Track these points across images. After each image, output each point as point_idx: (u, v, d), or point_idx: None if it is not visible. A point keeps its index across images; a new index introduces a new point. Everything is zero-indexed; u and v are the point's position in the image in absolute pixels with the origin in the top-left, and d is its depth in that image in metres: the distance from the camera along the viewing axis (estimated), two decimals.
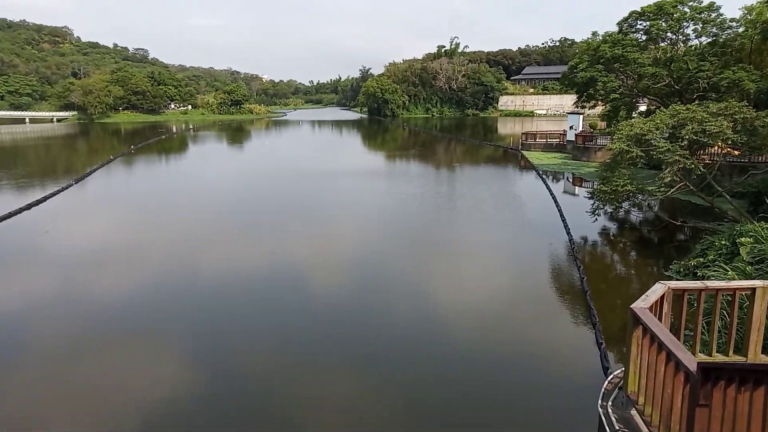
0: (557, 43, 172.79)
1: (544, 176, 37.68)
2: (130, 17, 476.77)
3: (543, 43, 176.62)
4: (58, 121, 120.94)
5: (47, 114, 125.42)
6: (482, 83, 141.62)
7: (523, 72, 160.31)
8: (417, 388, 11.18)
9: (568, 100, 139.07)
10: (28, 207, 29.16)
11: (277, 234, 24.21)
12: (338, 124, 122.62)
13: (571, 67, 38.18)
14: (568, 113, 53.92)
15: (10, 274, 19.03)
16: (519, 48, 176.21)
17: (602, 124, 50.89)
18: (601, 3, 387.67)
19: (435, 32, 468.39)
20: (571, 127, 50.12)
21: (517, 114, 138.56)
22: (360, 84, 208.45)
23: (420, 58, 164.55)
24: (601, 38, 37.36)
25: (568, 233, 22.35)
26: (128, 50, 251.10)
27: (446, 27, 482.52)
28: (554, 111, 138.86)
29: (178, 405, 10.76)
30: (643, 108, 47.01)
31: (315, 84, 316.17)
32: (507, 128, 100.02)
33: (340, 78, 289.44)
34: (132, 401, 10.81)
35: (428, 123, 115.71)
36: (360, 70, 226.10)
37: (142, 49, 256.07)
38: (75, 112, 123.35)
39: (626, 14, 34.71)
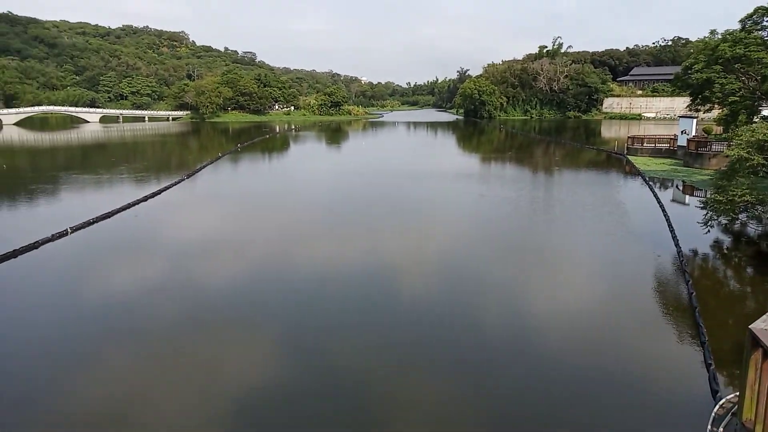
0: (670, 43, 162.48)
1: (651, 183, 35.58)
2: (239, 22, 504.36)
3: (654, 43, 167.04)
4: (173, 119, 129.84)
5: (164, 113, 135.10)
6: (586, 84, 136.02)
7: (630, 73, 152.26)
8: (509, 401, 10.93)
9: (680, 103, 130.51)
10: (145, 199, 31.57)
11: (371, 233, 24.62)
12: (433, 125, 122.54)
13: (685, 67, 35.60)
14: (680, 117, 50.50)
15: (125, 260, 20.70)
16: (627, 48, 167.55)
17: (718, 129, 47.18)
18: (719, 0, 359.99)
19: (535, 33, 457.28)
20: (683, 132, 46.96)
21: (622, 117, 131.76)
22: (457, 85, 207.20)
23: (520, 58, 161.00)
24: (720, 37, 34.60)
25: (677, 245, 20.96)
26: (238, 53, 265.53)
27: (548, 27, 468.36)
28: (664, 114, 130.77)
29: (272, 393, 11.23)
30: (766, 112, 43.23)
31: (412, 86, 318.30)
32: (611, 132, 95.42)
33: (437, 79, 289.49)
34: (229, 384, 11.46)
35: (526, 125, 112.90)
36: (457, 71, 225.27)
37: (251, 53, 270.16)
38: (188, 112, 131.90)
39: (750, 11, 31.97)
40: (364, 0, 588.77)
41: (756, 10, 31.71)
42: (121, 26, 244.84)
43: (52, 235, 22.82)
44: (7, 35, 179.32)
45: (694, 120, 46.30)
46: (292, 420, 10.28)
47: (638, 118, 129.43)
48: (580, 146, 65.25)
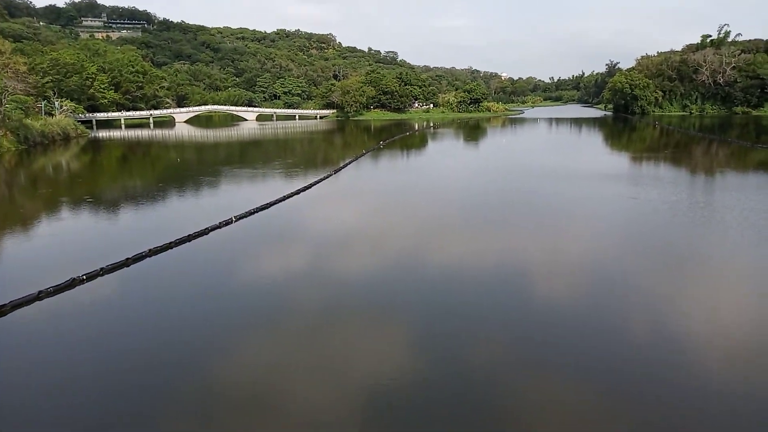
0: None
1: None
2: (382, 22, 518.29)
3: None
4: (321, 118, 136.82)
5: (312, 112, 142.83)
6: (758, 76, 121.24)
7: None
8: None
9: None
10: (297, 192, 33.67)
11: (507, 233, 24.39)
12: (578, 121, 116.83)
13: None
14: None
15: (281, 247, 22.32)
16: None
17: None
18: None
19: (697, 21, 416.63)
20: None
21: None
22: (605, 79, 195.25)
23: (678, 50, 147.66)
24: None
25: None
26: (380, 53, 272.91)
27: (711, 14, 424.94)
28: None
29: (403, 384, 11.56)
30: None
31: (555, 81, 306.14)
32: None
33: (583, 74, 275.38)
34: (362, 373, 12.03)
35: (685, 122, 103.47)
36: (606, 64, 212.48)
37: (393, 52, 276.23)
38: (334, 110, 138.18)
39: None
40: None
41: None
42: (275, 30, 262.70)
43: (219, 223, 25.18)
44: (180, 42, 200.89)
45: None
46: (423, 413, 10.46)
47: None
48: (751, 145, 58.47)
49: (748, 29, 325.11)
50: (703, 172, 42.22)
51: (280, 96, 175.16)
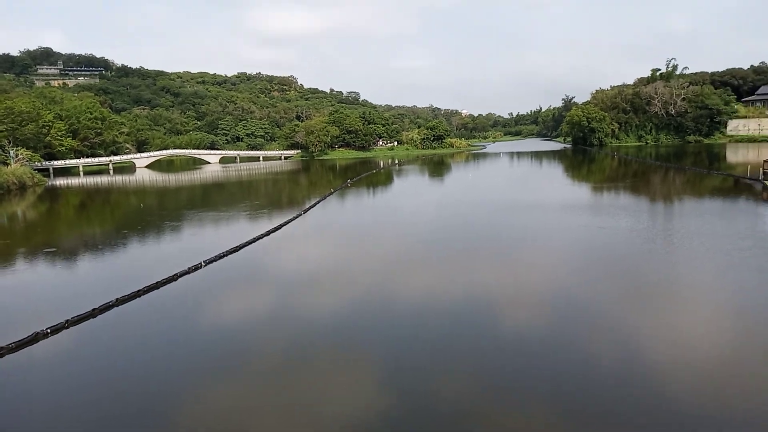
0: None
1: None
2: (343, 64, 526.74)
3: None
4: (285, 158, 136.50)
5: (276, 153, 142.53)
6: (706, 106, 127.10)
7: (757, 92, 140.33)
8: None
9: None
10: (267, 234, 33.00)
11: (476, 266, 24.23)
12: (539, 155, 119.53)
13: None
14: None
15: (246, 291, 21.59)
16: (752, 66, 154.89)
17: None
18: None
19: (645, 55, 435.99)
20: None
21: (751, 139, 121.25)
22: (562, 113, 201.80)
23: (630, 83, 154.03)
24: None
25: None
26: (342, 93, 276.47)
27: (658, 48, 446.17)
28: None
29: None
30: None
31: (514, 116, 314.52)
32: (738, 155, 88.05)
33: (541, 108, 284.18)
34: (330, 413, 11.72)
35: (642, 151, 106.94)
36: (562, 99, 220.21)
37: (354, 92, 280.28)
38: (299, 151, 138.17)
39: None
40: (463, 33, 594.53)
41: None
42: (236, 74, 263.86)
43: (189, 268, 24.30)
44: (139, 87, 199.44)
45: None
46: None
47: None
48: (706, 172, 60.52)
49: (693, 62, 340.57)
50: (666, 200, 43.28)
51: (242, 138, 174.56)
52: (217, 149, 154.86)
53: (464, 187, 61.02)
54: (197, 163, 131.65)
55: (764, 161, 49.69)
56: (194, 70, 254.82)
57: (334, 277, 23.68)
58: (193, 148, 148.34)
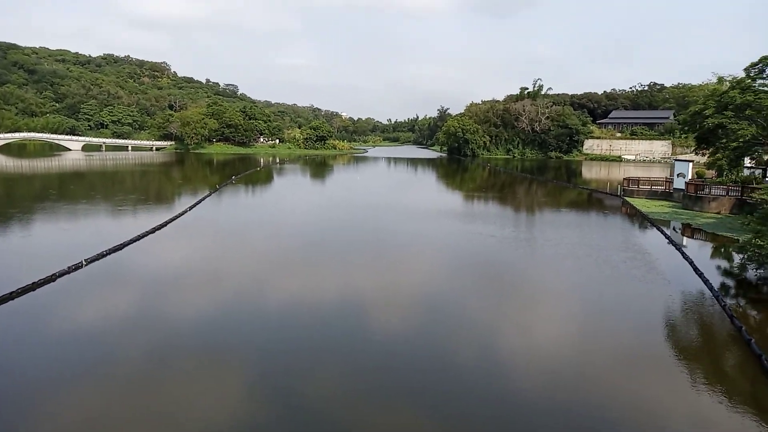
0: (646, 88, 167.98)
1: (662, 226, 35.91)
2: (221, 54, 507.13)
3: (630, 88, 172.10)
4: (157, 149, 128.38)
5: (147, 143, 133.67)
6: (567, 126, 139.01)
7: (609, 116, 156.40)
8: None
9: (657, 146, 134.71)
10: (152, 231, 30.74)
11: (347, 268, 24.63)
12: (419, 162, 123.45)
13: (695, 113, 36.39)
14: (676, 160, 51.74)
15: (131, 293, 19.91)
16: (605, 91, 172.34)
17: (711, 173, 48.44)
18: (691, 49, 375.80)
19: (515, 75, 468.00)
20: (679, 175, 47.93)
21: (603, 158, 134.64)
22: (437, 123, 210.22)
23: (501, 99, 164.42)
24: (728, 83, 35.74)
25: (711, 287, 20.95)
26: (219, 85, 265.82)
27: (527, 70, 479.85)
28: (643, 157, 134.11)
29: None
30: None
31: (392, 122, 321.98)
32: (592, 172, 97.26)
33: (417, 117, 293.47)
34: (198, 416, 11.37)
35: (509, 164, 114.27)
36: (438, 110, 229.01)
37: (233, 85, 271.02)
38: (172, 142, 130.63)
39: (755, 60, 33.25)
40: (344, 37, 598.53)
41: (762, 59, 32.95)
42: (102, 55, 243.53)
43: (68, 267, 21.87)
44: None
45: (691, 164, 47.35)
46: None
47: (618, 159, 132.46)
48: (574, 186, 66.08)
49: (556, 85, 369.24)
50: (538, 210, 46.49)
51: (107, 125, 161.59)
52: (78, 135, 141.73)
53: (354, 189, 61.16)
54: (55, 150, 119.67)
55: (624, 179, 55.29)
56: (53, 47, 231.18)
57: (220, 277, 22.42)
58: (51, 132, 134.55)
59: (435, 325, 17.49)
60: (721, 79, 37.58)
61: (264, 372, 13.88)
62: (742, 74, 32.85)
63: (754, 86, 33.05)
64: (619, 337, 16.62)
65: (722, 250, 30.53)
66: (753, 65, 33.50)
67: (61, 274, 21.25)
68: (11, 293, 18.39)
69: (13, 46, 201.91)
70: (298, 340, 15.82)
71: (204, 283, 21.62)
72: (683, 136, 60.27)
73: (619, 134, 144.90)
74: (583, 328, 17.55)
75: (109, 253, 25.07)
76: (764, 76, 33.47)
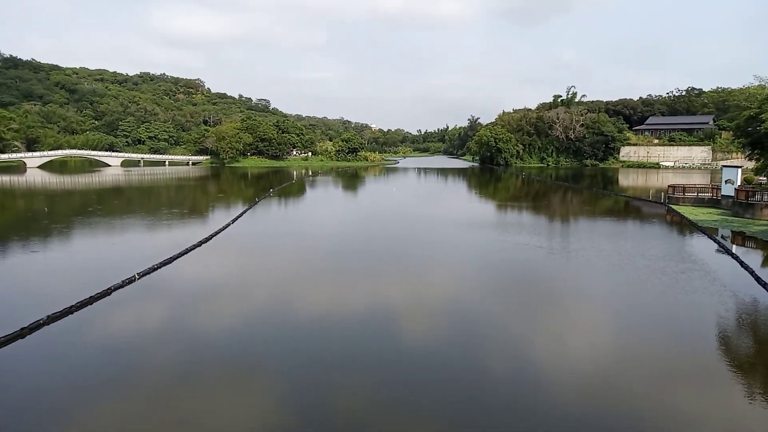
0: (684, 93, 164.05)
1: (717, 236, 34.66)
2: (252, 70, 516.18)
3: (668, 93, 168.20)
4: (193, 164, 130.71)
5: (183, 158, 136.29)
6: (602, 133, 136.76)
7: (646, 122, 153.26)
8: None
9: (697, 152, 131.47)
10: (198, 244, 31.03)
11: (377, 279, 24.36)
12: (452, 172, 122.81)
13: (749, 117, 35.23)
14: (724, 166, 50.24)
15: (186, 306, 19.97)
16: (640, 97, 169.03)
17: (761, 179, 46.88)
18: (729, 53, 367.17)
19: (542, 82, 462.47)
20: (727, 181, 46.47)
21: (640, 165, 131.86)
22: (468, 133, 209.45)
23: (532, 107, 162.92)
24: None
25: None
26: (252, 100, 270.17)
27: (554, 77, 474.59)
28: (682, 163, 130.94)
29: None
30: None
31: (422, 133, 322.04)
32: (629, 180, 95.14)
33: (447, 127, 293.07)
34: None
35: (543, 172, 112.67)
36: (468, 119, 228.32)
37: (265, 100, 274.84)
38: (208, 157, 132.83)
39: None
40: (371, 49, 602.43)
41: None
42: (138, 73, 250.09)
43: (122, 281, 22.16)
44: (30, 81, 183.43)
45: (739, 170, 45.87)
46: None
47: (656, 166, 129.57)
48: (615, 194, 64.65)
49: (589, 92, 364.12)
50: (585, 220, 45.48)
51: (145, 141, 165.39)
52: (116, 151, 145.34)
53: (391, 200, 60.95)
54: (94, 166, 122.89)
55: (668, 186, 53.86)
56: (92, 67, 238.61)
57: (266, 290, 22.40)
58: (91, 149, 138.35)
59: (466, 334, 17.34)
60: (762, 86, 36.30)
61: (295, 385, 13.75)
62: None
63: None
64: (688, 353, 15.94)
65: None
66: None
67: (116, 288, 21.53)
68: (70, 307, 18.65)
69: (56, 67, 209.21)
70: (347, 351, 15.78)
71: (250, 295, 21.67)
72: (734, 141, 58.14)
73: (656, 140, 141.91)
74: (648, 344, 16.88)
75: (160, 267, 25.35)
76: None
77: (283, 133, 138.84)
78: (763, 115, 32.94)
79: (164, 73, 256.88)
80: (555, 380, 13.88)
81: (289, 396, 13.15)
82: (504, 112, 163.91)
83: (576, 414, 12.21)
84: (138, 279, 23.16)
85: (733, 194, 44.35)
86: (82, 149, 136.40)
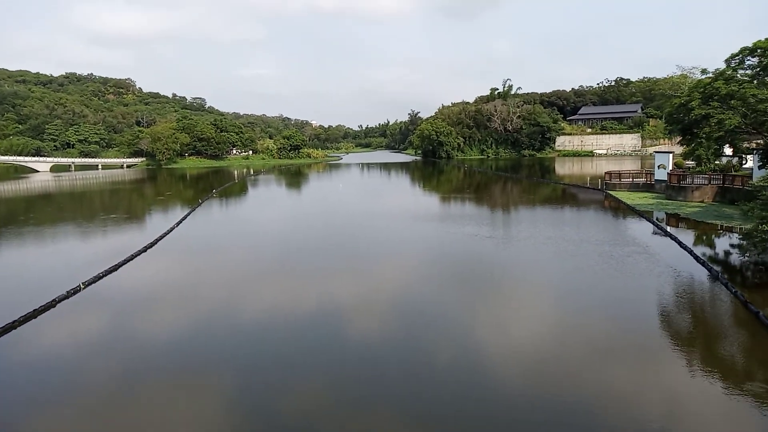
0: (613, 83, 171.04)
1: (654, 219, 36.38)
2: (185, 69, 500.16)
3: (598, 84, 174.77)
4: (128, 167, 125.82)
5: (117, 161, 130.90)
6: (538, 124, 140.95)
7: (579, 112, 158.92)
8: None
9: (627, 139, 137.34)
10: (144, 250, 29.90)
11: (328, 277, 24.36)
12: (396, 166, 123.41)
13: (680, 105, 37.01)
14: (656, 152, 52.76)
15: (138, 314, 19.28)
16: (573, 89, 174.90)
17: (688, 164, 49.49)
18: (654, 44, 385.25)
19: (478, 76, 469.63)
20: (659, 166, 48.81)
21: (575, 154, 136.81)
22: (409, 127, 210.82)
23: (470, 101, 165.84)
24: (711, 75, 36.46)
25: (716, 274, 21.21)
26: (186, 99, 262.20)
27: (489, 71, 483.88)
28: (614, 150, 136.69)
29: None
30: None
31: (364, 128, 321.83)
32: (565, 168, 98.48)
33: (388, 122, 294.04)
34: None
35: (484, 164, 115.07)
36: (408, 113, 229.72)
37: (200, 98, 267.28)
38: (143, 159, 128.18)
39: (736, 51, 34.05)
40: (309, 45, 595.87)
41: (741, 50, 33.72)
42: (64, 74, 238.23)
43: (67, 292, 21.08)
44: None
45: (671, 155, 48.25)
46: None
47: (590, 154, 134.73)
48: (554, 183, 66.72)
49: (523, 84, 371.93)
50: (528, 207, 46.71)
51: (74, 144, 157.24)
52: (44, 156, 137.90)
53: (338, 197, 60.65)
54: (20, 172, 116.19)
55: (605, 173, 56.07)
56: (12, 68, 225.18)
57: (221, 291, 21.97)
58: (16, 155, 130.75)
59: (412, 326, 17.39)
60: (704, 71, 38.38)
61: (241, 384, 13.61)
62: (702, 66, 33.57)
63: (736, 77, 33.84)
64: (641, 335, 16.65)
65: (713, 237, 31.08)
66: (733, 56, 34.26)
67: (61, 299, 20.47)
68: (13, 322, 17.60)
69: None
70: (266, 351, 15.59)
71: (200, 300, 21.09)
72: (666, 127, 60.80)
73: (589, 130, 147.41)
74: (601, 325, 17.53)
75: (106, 275, 24.28)
76: (744, 66, 34.31)
77: (221, 132, 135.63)
78: (692, 103, 34.77)
79: (92, 73, 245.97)
80: (508, 366, 14.44)
81: (241, 400, 12.95)
82: (444, 106, 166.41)
83: (524, 396, 12.73)
84: (83, 289, 22.11)
85: (665, 179, 46.61)
86: (6, 155, 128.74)
